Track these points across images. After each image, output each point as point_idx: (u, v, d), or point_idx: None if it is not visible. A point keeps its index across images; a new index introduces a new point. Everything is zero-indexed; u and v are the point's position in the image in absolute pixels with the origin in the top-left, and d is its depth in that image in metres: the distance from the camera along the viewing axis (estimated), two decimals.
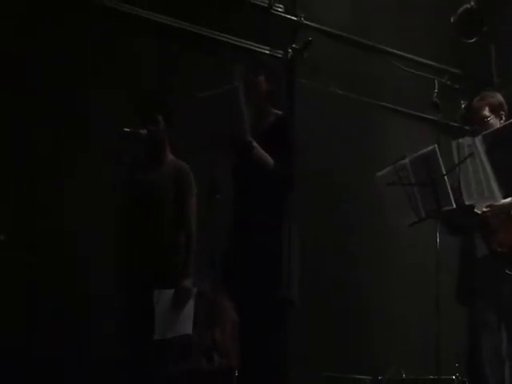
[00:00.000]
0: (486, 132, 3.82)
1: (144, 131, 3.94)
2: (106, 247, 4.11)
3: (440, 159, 3.67)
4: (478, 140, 3.71)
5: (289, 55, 3.24)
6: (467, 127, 4.17)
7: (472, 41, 5.68)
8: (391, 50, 5.79)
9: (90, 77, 4.46)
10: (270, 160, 3.57)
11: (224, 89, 3.43)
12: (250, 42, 5.16)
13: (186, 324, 3.70)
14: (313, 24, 5.37)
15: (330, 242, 5.49)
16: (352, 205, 5.59)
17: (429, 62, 5.97)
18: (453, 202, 3.63)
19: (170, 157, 4.10)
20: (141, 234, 3.94)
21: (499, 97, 4.15)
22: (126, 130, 3.88)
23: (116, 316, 3.83)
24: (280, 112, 3.76)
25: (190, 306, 3.74)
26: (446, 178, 3.65)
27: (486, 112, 4.05)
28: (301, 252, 3.54)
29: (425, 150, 3.74)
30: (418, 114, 5.82)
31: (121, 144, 3.96)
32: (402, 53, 5.87)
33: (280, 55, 4.96)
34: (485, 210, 3.87)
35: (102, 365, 4.08)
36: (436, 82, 4.20)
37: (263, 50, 5.16)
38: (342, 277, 5.51)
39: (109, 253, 4.00)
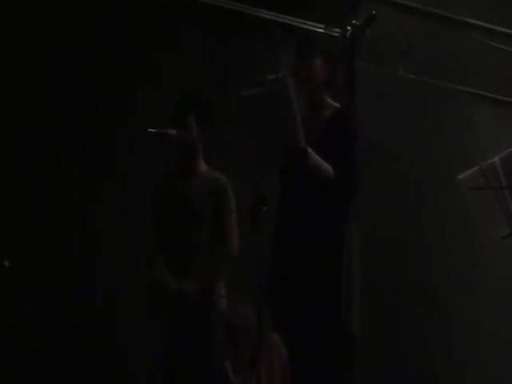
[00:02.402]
0: None
1: (173, 132, 3.87)
2: (133, 266, 4.21)
3: None
4: None
5: (348, 33, 3.18)
6: None
7: None
8: (476, 22, 5.69)
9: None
10: (327, 167, 3.42)
11: (270, 85, 3.28)
12: (300, 20, 5.11)
13: None
14: None
15: (396, 246, 5.45)
16: (426, 201, 5.61)
17: None
18: None
19: (204, 167, 4.03)
20: (170, 256, 3.92)
21: None
22: (151, 130, 3.82)
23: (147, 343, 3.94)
24: (338, 104, 3.61)
25: None
26: None
27: None
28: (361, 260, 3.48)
29: None
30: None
31: (150, 150, 4.00)
32: (490, 26, 5.73)
33: (337, 34, 4.89)
34: None
35: None
36: None
37: (316, 29, 5.11)
38: (412, 289, 5.51)
39: (137, 271, 4.08)
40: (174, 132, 3.88)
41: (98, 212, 4.52)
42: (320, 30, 5.08)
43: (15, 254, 4.10)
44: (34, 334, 4.31)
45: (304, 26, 5.09)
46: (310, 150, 3.34)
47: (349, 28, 3.18)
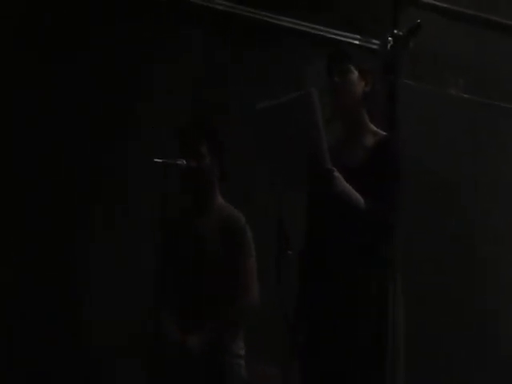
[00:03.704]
0: None
1: (182, 162, 3.69)
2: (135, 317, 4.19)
3: None
4: None
5: (389, 46, 3.01)
6: None
7: None
8: None
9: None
10: (357, 197, 3.25)
11: (291, 96, 3.15)
12: (332, 30, 5.16)
13: None
14: (424, 0, 5.38)
15: (437, 262, 5.38)
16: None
17: None
18: None
19: (219, 201, 3.87)
20: (176, 307, 3.76)
21: None
22: (157, 160, 3.61)
23: None
24: (379, 130, 3.44)
25: None
26: None
27: None
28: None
29: None
30: None
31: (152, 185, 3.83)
32: None
33: (376, 46, 4.93)
34: None
35: None
36: None
37: (352, 40, 5.17)
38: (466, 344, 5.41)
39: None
40: (184, 162, 3.69)
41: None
42: (356, 42, 5.12)
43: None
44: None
45: (338, 37, 5.09)
46: (337, 174, 3.17)
47: (390, 39, 3.01)
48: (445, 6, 5.44)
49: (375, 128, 3.44)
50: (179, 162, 3.68)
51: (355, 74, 3.39)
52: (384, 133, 3.41)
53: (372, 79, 3.41)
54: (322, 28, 5.16)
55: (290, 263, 3.23)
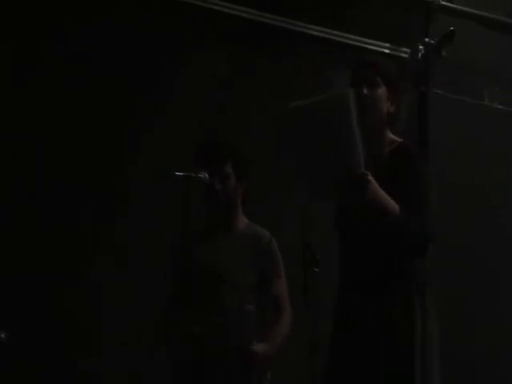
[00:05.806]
0: None
1: (205, 175, 3.72)
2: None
3: None
4: None
5: (419, 55, 3.10)
6: None
7: None
8: None
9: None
10: (394, 205, 3.23)
11: (328, 96, 3.15)
12: (360, 38, 5.15)
13: None
14: (457, 7, 5.34)
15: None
16: None
17: None
18: None
19: (244, 221, 3.86)
20: (201, 338, 3.68)
21: None
22: (178, 174, 3.65)
23: None
24: (406, 141, 3.42)
25: None
26: None
27: None
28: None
29: None
30: None
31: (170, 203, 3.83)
32: None
33: (406, 55, 4.63)
34: None
35: None
36: None
37: (380, 49, 5.16)
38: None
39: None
40: (207, 176, 3.73)
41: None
42: (385, 51, 5.13)
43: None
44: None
45: (365, 46, 5.10)
46: (370, 177, 3.14)
47: (421, 47, 3.09)
48: (480, 12, 5.44)
49: (393, 137, 3.45)
50: (201, 175, 3.68)
51: (383, 90, 3.40)
52: (400, 139, 3.40)
53: (398, 99, 3.41)
54: (349, 36, 5.16)
55: (317, 281, 3.16)
